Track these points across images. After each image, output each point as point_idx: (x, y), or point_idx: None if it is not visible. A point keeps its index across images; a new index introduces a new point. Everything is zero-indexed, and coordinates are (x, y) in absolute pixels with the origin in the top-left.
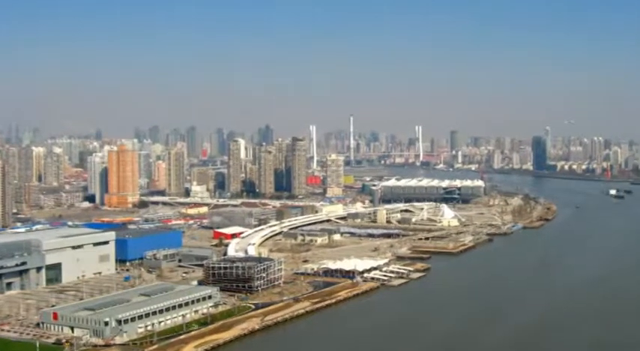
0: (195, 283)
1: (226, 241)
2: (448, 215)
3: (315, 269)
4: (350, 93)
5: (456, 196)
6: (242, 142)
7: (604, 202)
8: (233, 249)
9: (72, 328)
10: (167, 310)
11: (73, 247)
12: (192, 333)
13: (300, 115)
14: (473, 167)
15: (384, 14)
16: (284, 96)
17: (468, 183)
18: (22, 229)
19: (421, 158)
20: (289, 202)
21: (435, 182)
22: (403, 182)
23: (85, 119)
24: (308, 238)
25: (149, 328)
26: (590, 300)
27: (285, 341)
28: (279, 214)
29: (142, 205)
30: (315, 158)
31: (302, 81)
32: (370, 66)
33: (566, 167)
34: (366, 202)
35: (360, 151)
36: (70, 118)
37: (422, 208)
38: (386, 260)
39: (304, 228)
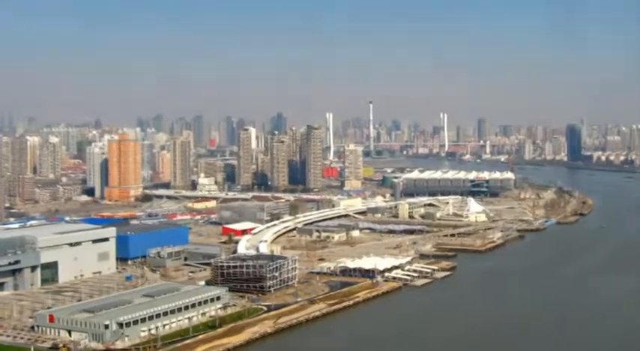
0: (202, 283)
1: (236, 237)
2: (475, 210)
3: (332, 268)
4: (369, 78)
5: (483, 189)
6: (253, 131)
7: None
8: (243, 246)
9: (69, 332)
10: (172, 312)
11: (71, 245)
12: (200, 337)
13: (316, 102)
14: (502, 158)
15: None
16: (298, 81)
17: (497, 175)
18: (16, 225)
19: (446, 148)
20: (304, 196)
21: (462, 174)
22: (427, 174)
23: (84, 107)
24: (324, 235)
25: (153, 331)
26: None
27: (299, 346)
28: (293, 209)
29: (145, 198)
30: (332, 148)
31: (317, 65)
32: (391, 49)
33: (603, 158)
34: (387, 195)
35: (381, 140)
36: (67, 106)
37: (447, 203)
38: (408, 258)
39: (320, 224)
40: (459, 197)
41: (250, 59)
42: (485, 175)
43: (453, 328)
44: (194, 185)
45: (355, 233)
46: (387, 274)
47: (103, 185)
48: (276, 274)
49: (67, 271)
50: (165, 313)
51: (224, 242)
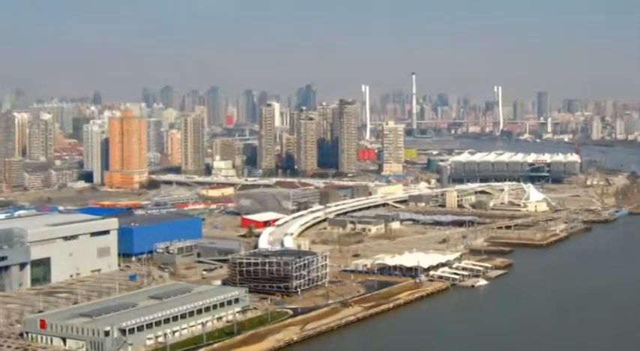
0: (218, 283)
1: (257, 230)
2: (535, 198)
3: (369, 266)
4: (412, 45)
5: (544, 173)
6: (277, 107)
7: None
8: (266, 240)
9: (64, 340)
10: (183, 316)
11: (65, 238)
12: (215, 345)
13: (350, 73)
14: (566, 138)
15: None
16: (329, 48)
17: (560, 158)
18: (2, 216)
19: (501, 127)
20: (336, 182)
21: (519, 157)
22: (478, 157)
23: (81, 78)
24: (359, 227)
25: (160, 339)
26: None
27: None
28: (324, 197)
29: (152, 185)
30: (369, 126)
31: (352, 29)
32: (437, 12)
33: None
34: (433, 181)
35: (425, 117)
36: (61, 77)
37: (502, 190)
38: (457, 254)
39: (355, 214)
40: (516, 183)
41: (273, 22)
42: (547, 157)
43: (509, 339)
44: (208, 169)
45: (395, 225)
46: (432, 272)
47: (103, 170)
48: (304, 272)
49: (61, 268)
50: (175, 318)
51: (243, 235)
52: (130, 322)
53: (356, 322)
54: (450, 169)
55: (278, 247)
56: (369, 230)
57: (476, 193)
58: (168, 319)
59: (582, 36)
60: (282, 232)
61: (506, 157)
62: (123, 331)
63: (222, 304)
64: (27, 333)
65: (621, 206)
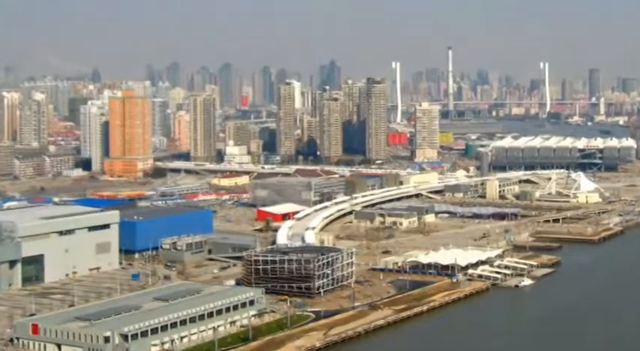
0: (231, 283)
1: (275, 224)
2: (586, 188)
3: (400, 264)
4: (448, 17)
5: (596, 160)
6: (297, 86)
7: None
8: (284, 235)
9: (59, 346)
10: (192, 320)
11: (61, 233)
12: None
13: (378, 48)
14: (621, 120)
15: None
16: (355, 21)
17: (614, 143)
18: None
19: (548, 108)
20: (363, 170)
21: (568, 142)
22: (523, 142)
23: (78, 54)
24: (390, 220)
25: (167, 345)
26: None
27: None
28: (349, 187)
29: (157, 173)
30: (400, 108)
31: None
32: None
33: None
34: (471, 169)
35: (463, 97)
36: (56, 53)
37: (549, 179)
38: (499, 251)
39: (384, 206)
40: (565, 171)
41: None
42: (599, 142)
43: (560, 348)
44: (220, 156)
45: (429, 218)
46: (470, 271)
47: (103, 156)
48: (327, 271)
49: (56, 267)
50: (184, 322)
51: (259, 230)
52: (133, 326)
53: (386, 327)
54: (491, 156)
55: (298, 243)
56: (401, 224)
57: (520, 182)
58: (176, 323)
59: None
60: (303, 226)
61: (554, 142)
62: (125, 337)
63: (235, 307)
64: (17, 339)
65: None
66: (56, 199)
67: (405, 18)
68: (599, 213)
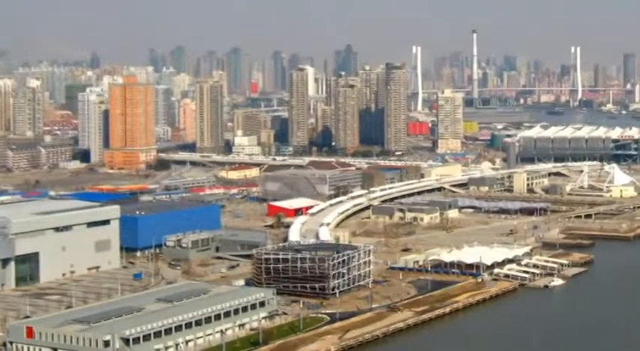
0: (240, 283)
1: (287, 219)
2: (620, 181)
3: (421, 262)
4: None
5: (631, 151)
6: (311, 72)
7: None
8: (297, 232)
9: None
10: (198, 323)
11: (57, 230)
12: None
13: (398, 32)
14: None
15: None
16: (373, 2)
17: None
18: None
19: (579, 95)
20: (381, 162)
21: (601, 132)
22: (552, 131)
23: (76, 38)
24: (410, 216)
25: (171, 350)
26: None
27: None
28: (367, 180)
29: (161, 165)
30: (421, 95)
31: None
32: None
33: None
34: (497, 161)
35: (488, 84)
36: (52, 36)
37: (581, 171)
38: (527, 249)
39: (404, 200)
40: (598, 163)
41: None
42: (634, 132)
43: None
44: (228, 147)
45: (452, 213)
46: (496, 270)
47: (102, 147)
48: (343, 270)
49: (52, 266)
50: (189, 325)
51: (270, 226)
52: (135, 329)
53: (406, 330)
54: (519, 147)
55: (312, 241)
56: (422, 220)
57: (549, 175)
58: (181, 326)
59: None
60: (317, 222)
61: (586, 132)
62: (126, 341)
63: (244, 309)
64: (11, 343)
65: None
66: (52, 193)
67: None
68: (634, 208)
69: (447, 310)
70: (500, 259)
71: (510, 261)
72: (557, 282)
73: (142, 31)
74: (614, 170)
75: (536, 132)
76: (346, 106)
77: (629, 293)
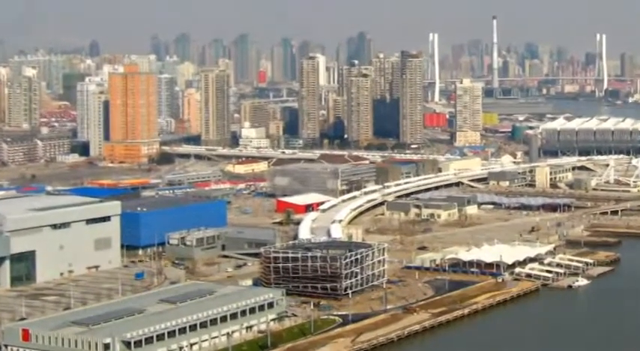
0: (247, 283)
1: (297, 216)
2: None
3: (438, 261)
4: None
5: None
6: (322, 60)
7: None
8: (308, 229)
9: None
10: (203, 325)
11: (54, 227)
12: None
13: (413, 18)
14: None
15: None
16: None
17: None
18: None
19: (605, 85)
20: (397, 155)
21: (628, 123)
22: (577, 123)
23: (74, 25)
24: (426, 212)
25: None
26: None
27: None
28: (381, 174)
29: (164, 159)
30: (438, 85)
31: None
32: None
33: None
34: (519, 154)
35: (509, 73)
36: (49, 22)
37: (606, 165)
38: (550, 247)
39: (420, 196)
40: (625, 157)
41: None
42: None
43: None
44: (235, 139)
45: (471, 210)
46: (518, 269)
47: (102, 140)
48: (356, 269)
49: (49, 265)
50: (193, 327)
51: (279, 223)
52: (136, 332)
53: (422, 333)
54: (541, 139)
55: (323, 238)
56: (439, 216)
57: (573, 169)
58: (185, 328)
59: None
60: (329, 218)
61: (612, 124)
62: (127, 344)
63: (252, 310)
64: (6, 346)
65: None
66: (49, 189)
67: None
68: None
69: (466, 311)
70: (521, 258)
71: (532, 260)
72: (582, 282)
73: (144, 17)
74: None
75: (559, 124)
76: (359, 96)
77: None
